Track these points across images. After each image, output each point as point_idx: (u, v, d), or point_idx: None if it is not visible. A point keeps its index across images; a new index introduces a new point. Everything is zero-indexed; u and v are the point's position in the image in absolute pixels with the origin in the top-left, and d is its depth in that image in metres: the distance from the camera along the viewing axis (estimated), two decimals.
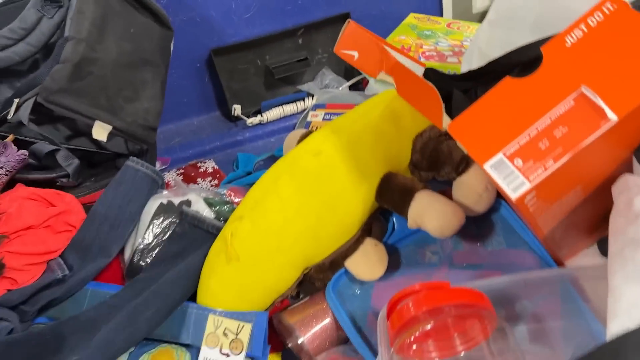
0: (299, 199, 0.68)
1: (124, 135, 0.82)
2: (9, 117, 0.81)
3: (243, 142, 1.11)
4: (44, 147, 0.82)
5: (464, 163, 0.68)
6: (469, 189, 0.68)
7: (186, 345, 0.71)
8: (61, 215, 0.76)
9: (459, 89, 0.68)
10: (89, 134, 0.85)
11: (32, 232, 0.71)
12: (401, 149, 0.72)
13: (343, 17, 1.16)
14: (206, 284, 0.70)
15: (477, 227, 0.73)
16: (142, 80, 0.85)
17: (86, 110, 0.76)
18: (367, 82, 1.14)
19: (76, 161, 0.82)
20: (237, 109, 1.14)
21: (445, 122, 0.55)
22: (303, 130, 0.87)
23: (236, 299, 0.69)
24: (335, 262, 0.72)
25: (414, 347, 0.55)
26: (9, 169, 0.76)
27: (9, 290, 0.67)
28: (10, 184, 0.81)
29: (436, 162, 0.70)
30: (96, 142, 0.86)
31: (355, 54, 0.63)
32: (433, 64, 1.00)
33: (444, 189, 0.72)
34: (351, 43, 0.63)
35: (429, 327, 0.54)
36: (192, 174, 1.01)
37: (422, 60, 1.03)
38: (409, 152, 0.72)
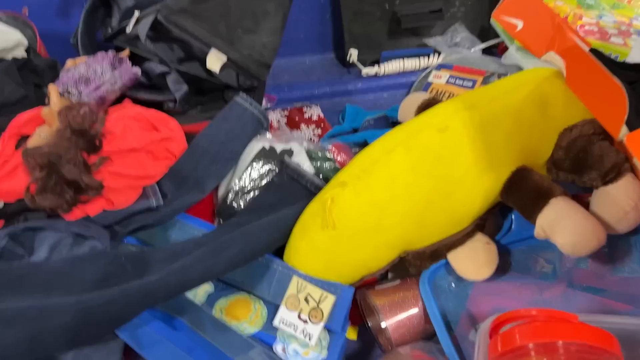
0: (412, 177, 0.61)
1: (237, 69, 0.77)
2: (127, 29, 0.79)
3: (353, 93, 1.03)
4: (156, 67, 0.80)
5: (615, 171, 0.57)
6: (613, 203, 0.57)
7: (264, 300, 0.68)
8: (163, 142, 0.74)
9: (623, 80, 0.56)
10: (201, 60, 0.82)
11: (133, 154, 0.69)
12: (543, 141, 0.62)
13: None
14: (296, 245, 0.66)
15: (609, 246, 0.62)
16: (264, 11, 0.79)
17: (204, 36, 0.72)
18: (505, 47, 1.00)
19: (185, 87, 0.79)
20: (353, 55, 1.05)
21: (623, 132, 0.44)
22: (425, 96, 0.78)
23: (324, 267, 0.65)
24: (437, 253, 0.65)
25: None
26: (121, 85, 0.75)
27: (104, 210, 0.66)
28: (118, 99, 0.80)
29: (581, 165, 0.59)
30: (207, 70, 0.83)
31: (519, 24, 0.52)
32: (592, 41, 0.85)
33: (578, 194, 0.62)
34: (517, 9, 0.52)
35: None
36: (297, 119, 0.96)
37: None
38: (551, 146, 0.62)
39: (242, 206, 0.76)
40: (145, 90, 0.80)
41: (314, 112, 0.97)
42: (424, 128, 0.62)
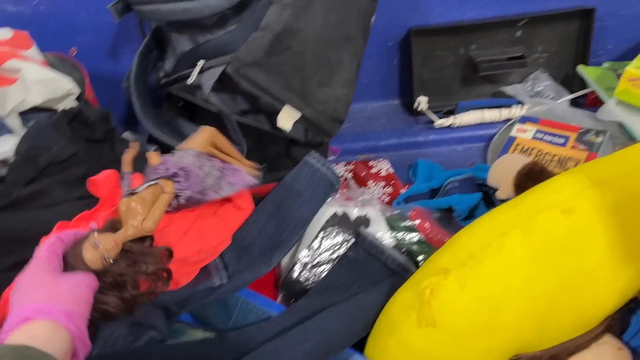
0: (532, 267, 0.50)
1: (310, 125, 0.69)
2: (190, 80, 0.71)
3: (424, 145, 0.94)
4: None
5: None
6: None
7: None
8: (226, 206, 0.65)
9: None
10: (268, 113, 0.74)
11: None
12: None
13: (582, 13, 0.91)
14: (383, 341, 0.56)
15: None
16: (339, 60, 0.71)
17: (277, 91, 0.64)
18: (595, 99, 0.90)
19: (244, 146, 0.71)
20: (422, 102, 0.96)
21: None
22: (524, 160, 0.68)
23: None
24: (556, 358, 0.54)
25: None
26: (186, 199, 0.58)
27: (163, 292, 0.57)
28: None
29: None
30: (273, 123, 0.74)
31: None
32: None
33: None
34: None
35: None
36: (363, 174, 0.86)
37: None
38: None
39: (310, 281, 0.66)
40: None
41: (383, 166, 0.88)
42: (544, 208, 0.52)
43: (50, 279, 0.43)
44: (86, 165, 0.64)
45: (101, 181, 0.60)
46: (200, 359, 0.55)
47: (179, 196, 0.57)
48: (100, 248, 0.46)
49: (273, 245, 0.66)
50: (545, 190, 0.55)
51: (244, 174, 0.62)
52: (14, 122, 0.67)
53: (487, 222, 0.55)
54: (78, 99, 0.74)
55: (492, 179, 0.71)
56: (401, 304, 0.56)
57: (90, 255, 0.46)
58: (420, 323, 0.52)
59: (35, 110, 0.69)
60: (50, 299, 0.41)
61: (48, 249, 0.45)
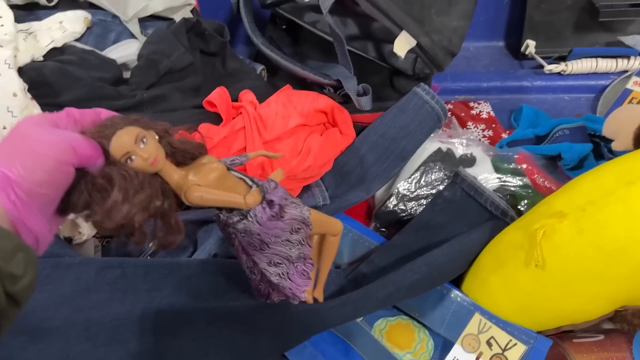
0: None
1: (423, 54, 0.66)
2: None
3: (529, 91, 0.89)
4: None
5: None
6: None
7: (431, 330, 0.59)
8: (331, 130, 0.65)
9: None
10: (377, 40, 0.72)
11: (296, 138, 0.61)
12: None
13: None
14: (485, 278, 0.56)
15: None
16: None
17: (396, 15, 0.61)
18: None
19: (351, 71, 0.69)
20: (530, 46, 0.91)
21: None
22: None
23: (517, 309, 0.54)
24: None
25: None
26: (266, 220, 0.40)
27: None
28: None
29: None
30: (379, 51, 0.73)
31: None
32: None
33: None
34: None
35: None
36: (462, 114, 0.84)
37: None
38: None
39: (406, 214, 0.66)
40: (310, 69, 0.71)
41: (484, 108, 0.85)
42: None
43: (25, 133, 0.30)
44: (201, 77, 0.65)
45: (217, 100, 0.60)
46: None
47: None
48: (142, 146, 0.33)
49: (373, 174, 0.66)
50: None
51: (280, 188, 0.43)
52: (135, 28, 0.68)
53: (612, 170, 0.52)
54: (193, 13, 0.75)
55: (608, 129, 0.66)
56: (509, 243, 0.55)
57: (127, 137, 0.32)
58: (529, 263, 0.52)
59: (153, 17, 0.71)
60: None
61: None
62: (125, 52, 0.65)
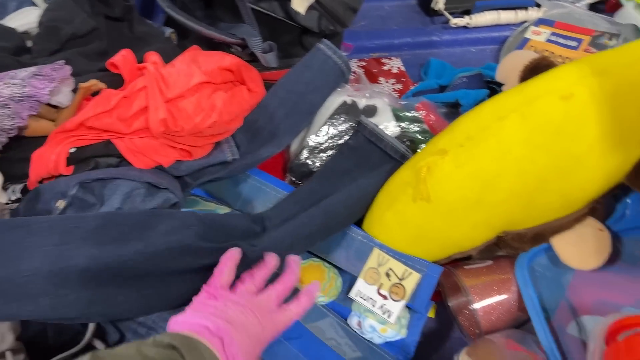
0: (526, 149, 0.53)
1: (323, 11, 0.69)
2: None
3: (438, 45, 0.94)
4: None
5: None
6: None
7: (338, 269, 0.64)
8: (239, 88, 0.68)
9: None
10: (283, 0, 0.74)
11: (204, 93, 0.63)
12: None
13: None
14: (380, 214, 0.60)
15: None
16: None
17: None
18: (615, 4, 0.88)
19: (257, 31, 0.71)
20: (439, 2, 0.95)
21: None
22: (533, 54, 0.69)
23: (410, 241, 0.59)
24: (540, 236, 0.58)
25: None
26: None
27: (177, 161, 0.62)
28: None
29: None
30: (287, 10, 0.75)
31: None
32: None
33: None
34: None
35: None
36: (375, 71, 0.88)
37: None
38: None
39: (317, 164, 0.70)
40: (215, 29, 0.72)
41: (395, 64, 0.89)
42: (543, 94, 0.54)
43: (258, 326, 0.44)
44: (106, 42, 0.66)
45: (119, 62, 0.62)
46: (214, 228, 0.59)
47: None
48: None
49: (283, 129, 0.69)
50: (546, 78, 0.56)
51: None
52: None
53: (488, 107, 0.57)
54: None
55: (499, 74, 0.71)
56: (399, 181, 0.59)
57: None
58: (416, 198, 0.56)
59: None
60: (240, 341, 0.41)
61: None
62: (25, 19, 0.65)
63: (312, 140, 0.71)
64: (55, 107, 0.61)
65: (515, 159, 0.53)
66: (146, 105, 0.58)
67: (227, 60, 0.67)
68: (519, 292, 0.59)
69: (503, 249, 0.62)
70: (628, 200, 0.60)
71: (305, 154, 0.71)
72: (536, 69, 0.66)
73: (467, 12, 0.94)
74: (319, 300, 0.62)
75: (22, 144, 0.60)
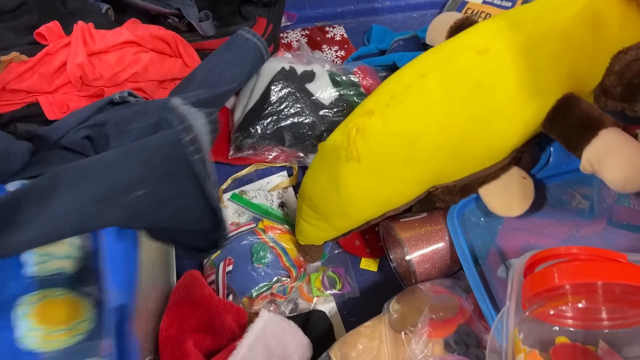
0: (447, 105, 0.55)
1: None
2: None
3: (380, 12, 0.95)
4: None
5: None
6: None
7: None
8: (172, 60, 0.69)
9: None
10: None
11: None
12: (593, 65, 0.56)
13: None
14: (316, 176, 0.62)
15: None
16: None
17: None
18: None
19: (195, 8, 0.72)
20: None
21: None
22: (458, 15, 0.71)
23: (345, 202, 0.61)
24: (468, 187, 0.61)
25: (552, 312, 0.46)
26: None
27: None
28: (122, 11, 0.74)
29: (635, 92, 0.54)
30: None
31: None
32: None
33: (628, 125, 0.57)
34: None
35: (580, 305, 0.44)
36: (318, 39, 0.89)
37: None
38: (601, 71, 0.56)
39: (258, 131, 0.71)
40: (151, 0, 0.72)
41: (337, 32, 0.90)
42: (461, 50, 0.56)
43: None
44: (36, 16, 0.66)
45: (45, 32, 0.62)
46: None
47: None
48: None
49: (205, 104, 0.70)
50: (464, 35, 0.58)
51: None
52: None
53: (411, 67, 0.59)
54: None
55: (428, 37, 0.74)
56: (332, 144, 0.61)
57: None
58: (347, 159, 0.58)
59: None
60: None
61: None
62: None
63: (251, 107, 0.72)
64: None
65: (437, 115, 0.55)
66: (66, 60, 0.58)
67: (162, 31, 0.67)
68: (451, 241, 0.62)
69: (437, 202, 0.64)
70: (551, 149, 0.63)
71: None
72: (460, 28, 0.68)
73: None
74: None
75: None
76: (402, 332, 0.54)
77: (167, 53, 0.69)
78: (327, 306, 0.67)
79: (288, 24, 0.90)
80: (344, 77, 0.73)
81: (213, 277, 0.64)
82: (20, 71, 0.57)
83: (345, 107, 0.71)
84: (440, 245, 0.62)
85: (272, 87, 0.72)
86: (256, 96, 0.72)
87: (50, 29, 0.62)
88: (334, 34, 0.90)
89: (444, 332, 0.54)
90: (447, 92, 0.55)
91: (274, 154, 0.74)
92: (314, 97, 0.70)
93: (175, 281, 0.64)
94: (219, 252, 0.66)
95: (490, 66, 0.55)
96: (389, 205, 0.61)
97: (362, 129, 0.57)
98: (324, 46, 0.88)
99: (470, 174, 0.59)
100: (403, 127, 0.56)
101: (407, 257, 0.62)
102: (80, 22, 0.63)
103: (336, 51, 0.87)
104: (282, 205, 0.73)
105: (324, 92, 0.71)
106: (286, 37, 0.89)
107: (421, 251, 0.62)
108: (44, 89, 0.57)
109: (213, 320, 0.59)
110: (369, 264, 0.70)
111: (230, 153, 0.74)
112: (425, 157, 0.57)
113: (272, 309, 0.65)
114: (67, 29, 0.64)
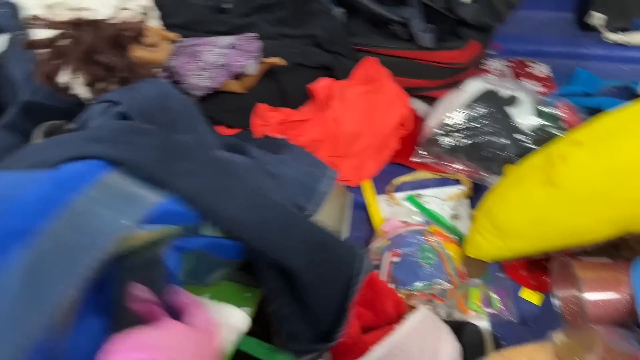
0: None
1: (484, 3, 0.75)
2: None
3: (588, 58, 0.94)
4: None
5: None
6: None
7: None
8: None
9: None
10: None
11: None
12: None
13: None
14: (504, 192, 0.64)
15: None
16: None
17: None
18: None
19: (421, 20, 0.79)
20: (595, 17, 0.95)
21: None
22: None
23: (529, 222, 0.62)
24: None
25: None
26: None
27: None
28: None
29: None
30: (450, 6, 0.81)
31: None
32: None
33: None
34: None
35: None
36: (520, 71, 0.91)
37: None
38: None
39: (448, 143, 0.74)
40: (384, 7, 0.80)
41: (541, 68, 0.91)
42: None
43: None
44: (285, 12, 0.78)
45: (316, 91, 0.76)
46: None
47: None
48: None
49: None
50: None
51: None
52: None
53: (630, 109, 0.59)
54: None
55: None
56: (530, 164, 0.63)
57: None
58: (545, 182, 0.59)
59: None
60: None
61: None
62: None
63: (448, 118, 0.76)
64: None
65: None
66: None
67: (396, 115, 0.78)
68: (630, 295, 0.59)
69: (623, 250, 0.62)
70: None
71: (439, 130, 0.76)
72: None
73: (624, 30, 0.93)
74: None
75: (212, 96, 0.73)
76: None
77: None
78: (480, 323, 0.67)
79: (492, 53, 0.93)
80: (546, 109, 0.73)
81: (377, 262, 0.69)
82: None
83: (543, 137, 0.71)
84: (619, 296, 0.60)
85: (475, 105, 0.75)
86: (456, 109, 0.76)
87: (321, 89, 0.77)
88: (537, 70, 0.91)
89: None
90: None
91: (456, 167, 0.76)
92: (513, 121, 0.72)
93: None
94: (388, 241, 0.70)
95: None
96: (574, 239, 0.61)
97: (567, 157, 0.58)
98: (523, 79, 0.89)
99: None
100: (614, 163, 0.56)
101: (584, 297, 0.60)
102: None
103: (536, 86, 0.88)
104: (454, 216, 0.75)
105: (525, 118, 0.72)
106: (486, 64, 0.92)
107: (599, 295, 0.60)
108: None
109: (375, 300, 0.63)
110: (530, 296, 0.69)
111: (414, 156, 0.78)
112: (629, 198, 0.56)
113: (428, 308, 0.67)
114: (304, 26, 0.76)
